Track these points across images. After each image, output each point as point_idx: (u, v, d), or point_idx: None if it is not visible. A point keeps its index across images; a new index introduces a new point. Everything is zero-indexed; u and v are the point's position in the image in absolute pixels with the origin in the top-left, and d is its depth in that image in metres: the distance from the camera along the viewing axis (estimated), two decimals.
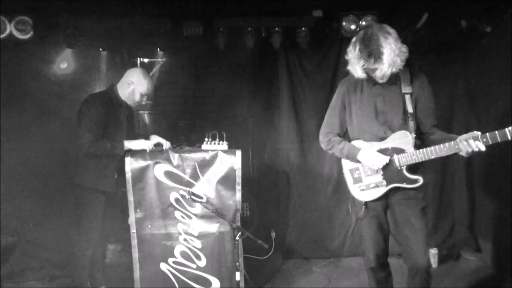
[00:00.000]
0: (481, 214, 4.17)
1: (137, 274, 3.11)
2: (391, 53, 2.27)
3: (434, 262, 3.94)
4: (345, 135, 2.72)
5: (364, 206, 2.59)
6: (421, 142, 2.49)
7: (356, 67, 2.38)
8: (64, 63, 3.99)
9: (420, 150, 2.39)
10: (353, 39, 2.40)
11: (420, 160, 2.40)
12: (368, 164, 2.53)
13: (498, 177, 3.86)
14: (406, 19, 3.80)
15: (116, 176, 3.16)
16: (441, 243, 4.26)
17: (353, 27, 3.83)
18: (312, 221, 4.35)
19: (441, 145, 2.33)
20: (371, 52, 2.28)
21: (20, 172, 3.83)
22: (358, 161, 2.57)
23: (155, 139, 3.24)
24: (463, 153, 2.30)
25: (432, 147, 2.36)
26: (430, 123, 2.52)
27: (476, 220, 4.23)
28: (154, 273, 3.11)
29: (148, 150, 3.11)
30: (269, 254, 3.84)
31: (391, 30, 2.33)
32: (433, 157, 2.36)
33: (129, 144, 3.10)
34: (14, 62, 3.82)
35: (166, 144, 3.22)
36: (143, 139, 3.18)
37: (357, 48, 2.33)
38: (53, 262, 3.92)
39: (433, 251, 3.96)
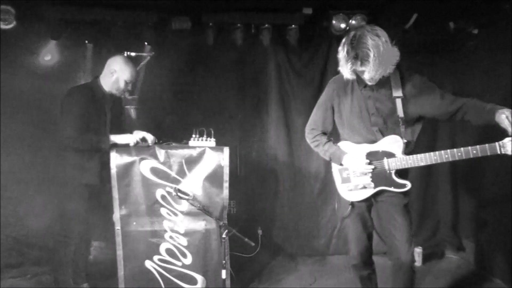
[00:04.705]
0: (464, 214, 4.24)
1: (121, 271, 3.06)
2: (379, 57, 2.21)
3: (418, 260, 3.99)
4: (332, 134, 2.72)
5: (350, 206, 2.61)
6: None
7: (344, 68, 2.34)
8: (48, 55, 3.86)
9: (410, 156, 2.38)
10: (343, 40, 2.35)
11: (410, 166, 2.39)
12: (351, 169, 2.54)
13: (480, 179, 3.92)
14: (395, 19, 3.82)
15: (99, 169, 3.09)
16: (425, 242, 4.32)
17: (342, 25, 3.84)
18: (299, 219, 4.35)
19: (431, 153, 2.31)
20: (358, 55, 2.23)
21: None
22: (341, 165, 2.57)
23: (139, 134, 3.14)
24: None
25: (423, 155, 2.34)
26: (456, 105, 2.36)
27: (460, 220, 4.30)
28: (139, 271, 3.07)
29: (132, 144, 3.05)
30: (256, 252, 3.82)
31: (381, 33, 2.27)
32: (422, 164, 2.35)
33: (115, 138, 3.04)
34: None
35: (150, 139, 3.14)
36: (129, 133, 3.12)
37: (345, 49, 2.29)
38: (34, 259, 3.83)
39: (418, 250, 4.01)
